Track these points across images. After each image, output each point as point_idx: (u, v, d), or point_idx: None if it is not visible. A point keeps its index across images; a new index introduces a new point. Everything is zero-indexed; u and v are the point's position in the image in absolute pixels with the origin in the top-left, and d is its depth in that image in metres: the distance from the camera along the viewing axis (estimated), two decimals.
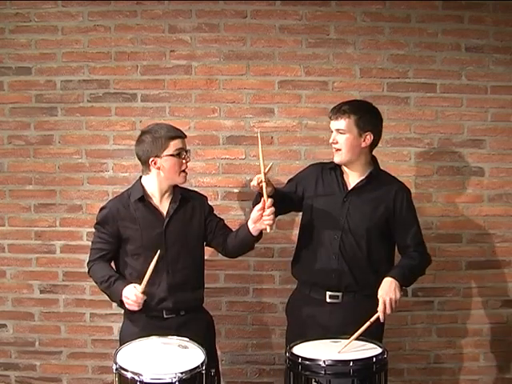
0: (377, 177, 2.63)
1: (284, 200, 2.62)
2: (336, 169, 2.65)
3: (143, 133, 2.53)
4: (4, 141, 3.29)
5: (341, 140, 2.55)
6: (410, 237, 2.59)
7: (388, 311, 2.41)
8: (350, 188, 2.61)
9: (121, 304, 2.44)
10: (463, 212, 3.29)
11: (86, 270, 2.61)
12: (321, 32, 3.23)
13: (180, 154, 2.48)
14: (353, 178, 2.62)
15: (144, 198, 2.53)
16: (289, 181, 2.80)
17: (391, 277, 2.46)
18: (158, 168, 2.48)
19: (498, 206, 3.29)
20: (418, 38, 3.23)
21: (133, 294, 2.34)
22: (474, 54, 3.24)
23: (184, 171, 2.51)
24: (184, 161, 2.50)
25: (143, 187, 2.55)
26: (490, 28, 3.22)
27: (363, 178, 2.61)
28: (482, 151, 3.28)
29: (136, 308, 2.36)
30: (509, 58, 3.24)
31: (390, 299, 2.40)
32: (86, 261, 3.21)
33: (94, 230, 2.61)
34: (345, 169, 2.64)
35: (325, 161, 2.77)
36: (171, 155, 2.46)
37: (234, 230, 2.65)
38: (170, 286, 2.50)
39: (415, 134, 3.27)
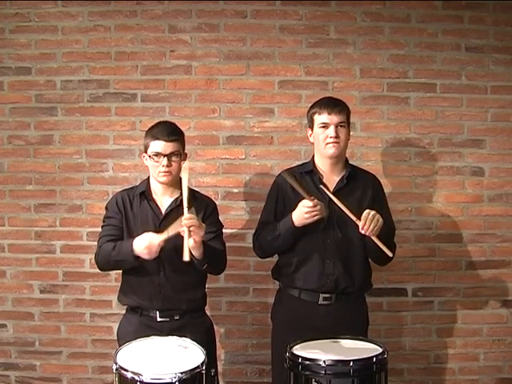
0: (353, 173, 2.65)
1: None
2: (312, 173, 2.65)
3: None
4: (4, 141, 3.29)
5: (341, 133, 2.56)
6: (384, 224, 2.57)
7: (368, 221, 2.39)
8: (332, 190, 2.60)
9: (134, 259, 2.39)
10: (463, 212, 3.29)
11: (93, 264, 2.61)
12: (321, 32, 3.23)
13: (156, 156, 2.48)
14: (332, 179, 2.62)
15: (146, 193, 2.56)
16: (264, 209, 2.75)
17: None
18: (147, 165, 2.55)
19: (498, 205, 3.29)
20: (418, 38, 3.23)
21: (148, 240, 2.33)
22: (474, 54, 3.24)
23: (163, 172, 2.48)
24: (161, 164, 2.47)
25: (148, 182, 2.59)
26: (490, 28, 3.23)
27: (342, 177, 2.62)
28: (482, 151, 3.28)
29: (154, 255, 2.34)
30: (509, 58, 3.24)
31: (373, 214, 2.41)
32: (87, 260, 3.26)
33: (101, 223, 2.63)
34: (322, 171, 2.63)
35: (292, 166, 2.81)
36: (148, 155, 2.51)
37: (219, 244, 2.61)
38: (163, 284, 2.50)
39: (415, 134, 3.27)
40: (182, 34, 3.24)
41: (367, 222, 2.40)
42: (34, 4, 3.24)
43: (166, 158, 2.47)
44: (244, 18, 3.23)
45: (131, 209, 2.56)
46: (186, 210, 2.33)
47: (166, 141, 2.47)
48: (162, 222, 2.52)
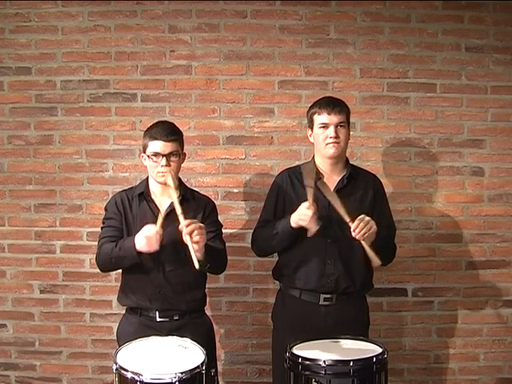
0: (354, 173, 2.64)
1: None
2: None
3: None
4: (4, 141, 3.30)
5: (341, 133, 2.56)
6: (385, 225, 2.58)
7: (360, 227, 2.36)
8: (332, 190, 2.58)
9: (136, 255, 2.37)
10: (463, 212, 3.29)
11: (93, 264, 2.60)
12: (321, 32, 3.23)
13: (154, 156, 2.47)
14: (332, 179, 2.62)
15: (144, 194, 2.56)
16: (264, 209, 2.75)
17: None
18: (145, 164, 2.54)
19: (498, 206, 3.29)
20: (418, 37, 3.23)
21: (148, 231, 2.32)
22: (474, 54, 3.24)
23: (161, 172, 2.47)
24: (160, 164, 2.46)
25: (147, 183, 2.59)
26: (490, 28, 3.23)
27: (343, 177, 2.61)
28: (482, 151, 3.28)
29: (155, 246, 2.32)
30: (509, 58, 3.24)
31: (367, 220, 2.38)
32: (87, 260, 3.26)
33: (101, 223, 2.61)
34: (323, 171, 2.62)
35: (292, 166, 2.80)
36: (147, 155, 2.50)
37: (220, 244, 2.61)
38: (162, 285, 2.50)
39: (415, 134, 3.27)
40: (182, 34, 3.24)
41: (360, 226, 2.36)
42: (33, 4, 3.24)
43: (164, 158, 2.46)
44: (244, 18, 3.23)
45: (130, 210, 2.56)
46: (180, 217, 2.31)
47: (164, 141, 2.47)
48: (163, 221, 2.51)
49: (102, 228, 2.60)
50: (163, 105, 3.26)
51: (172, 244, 2.44)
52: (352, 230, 2.37)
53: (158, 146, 2.47)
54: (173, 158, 2.49)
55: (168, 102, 3.26)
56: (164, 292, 2.50)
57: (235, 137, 3.27)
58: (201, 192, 2.73)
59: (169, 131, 2.50)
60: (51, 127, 3.28)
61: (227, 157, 3.28)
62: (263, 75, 3.25)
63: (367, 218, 2.40)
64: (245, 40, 3.24)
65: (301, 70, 3.24)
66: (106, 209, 2.63)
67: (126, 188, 2.69)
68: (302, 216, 2.43)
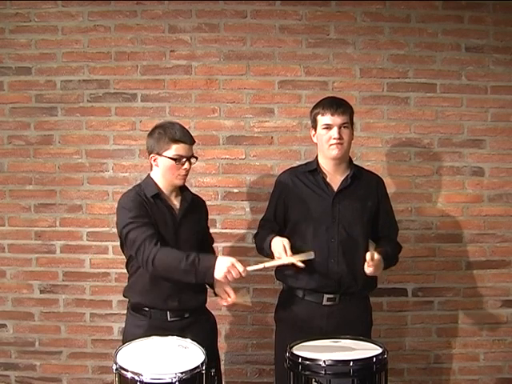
0: (357, 173, 2.64)
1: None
2: (315, 172, 2.64)
3: (156, 127, 2.53)
4: (4, 141, 3.30)
5: (345, 134, 2.55)
6: (388, 225, 2.63)
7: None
8: (335, 189, 2.60)
9: (205, 278, 2.35)
10: (463, 212, 3.29)
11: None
12: (321, 32, 3.23)
13: (179, 159, 2.45)
14: (336, 179, 2.62)
15: (159, 195, 2.51)
16: (268, 207, 2.75)
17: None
18: (157, 165, 2.50)
19: (498, 206, 3.29)
20: (418, 37, 3.23)
21: (236, 268, 2.29)
22: (474, 54, 3.24)
23: (183, 175, 2.48)
24: (183, 167, 2.46)
25: (155, 184, 2.53)
26: (490, 28, 3.23)
27: (346, 177, 2.61)
28: (482, 151, 3.28)
29: (224, 278, 2.29)
30: (509, 58, 3.25)
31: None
32: (87, 260, 3.26)
33: (128, 227, 2.44)
34: (326, 170, 2.63)
35: (295, 165, 2.81)
36: (169, 158, 2.45)
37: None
38: (178, 284, 2.44)
39: (415, 134, 3.27)
40: (182, 34, 3.24)
41: (373, 265, 2.43)
42: (33, 4, 3.24)
43: (187, 162, 2.47)
44: (244, 18, 3.23)
45: (150, 209, 2.47)
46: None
47: (189, 144, 2.48)
48: (180, 221, 2.50)
49: (130, 230, 2.40)
50: (163, 105, 3.26)
51: (187, 243, 2.46)
52: (367, 265, 2.44)
53: (184, 149, 2.45)
54: (192, 160, 2.51)
55: (168, 102, 3.26)
56: (179, 291, 2.47)
57: (235, 137, 3.27)
58: (201, 192, 2.73)
59: (190, 134, 2.51)
60: (51, 127, 3.28)
61: (227, 157, 3.28)
62: (263, 75, 3.25)
63: (377, 258, 2.44)
64: (245, 40, 3.24)
65: (301, 70, 3.24)
66: (124, 207, 2.46)
67: (135, 188, 2.55)
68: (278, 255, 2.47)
